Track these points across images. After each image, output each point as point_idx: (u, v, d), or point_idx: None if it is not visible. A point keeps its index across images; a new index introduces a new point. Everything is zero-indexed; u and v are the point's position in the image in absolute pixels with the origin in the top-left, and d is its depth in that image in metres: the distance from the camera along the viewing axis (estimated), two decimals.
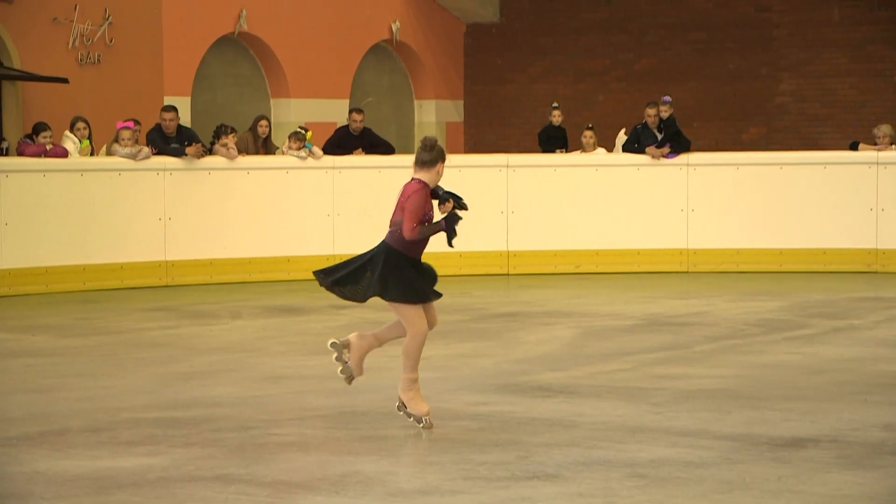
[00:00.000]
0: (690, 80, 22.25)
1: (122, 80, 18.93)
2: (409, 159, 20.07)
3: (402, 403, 8.23)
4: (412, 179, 8.57)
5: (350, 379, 8.45)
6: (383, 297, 8.24)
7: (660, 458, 7.37)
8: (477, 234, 17.29)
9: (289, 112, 21.19)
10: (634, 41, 22.74)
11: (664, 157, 17.48)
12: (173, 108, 16.53)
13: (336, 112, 21.11)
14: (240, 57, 21.14)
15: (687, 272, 17.44)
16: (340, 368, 8.42)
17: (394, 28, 22.47)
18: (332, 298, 14.67)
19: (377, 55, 22.75)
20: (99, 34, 18.73)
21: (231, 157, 16.51)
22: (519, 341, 11.88)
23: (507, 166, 17.48)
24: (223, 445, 7.73)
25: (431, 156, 8.56)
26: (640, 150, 17.55)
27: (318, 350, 11.30)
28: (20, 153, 15.67)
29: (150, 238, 15.98)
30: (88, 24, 18.61)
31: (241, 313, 13.77)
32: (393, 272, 8.28)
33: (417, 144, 8.42)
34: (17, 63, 17.93)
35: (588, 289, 15.91)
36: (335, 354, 8.43)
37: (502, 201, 17.35)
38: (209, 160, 16.44)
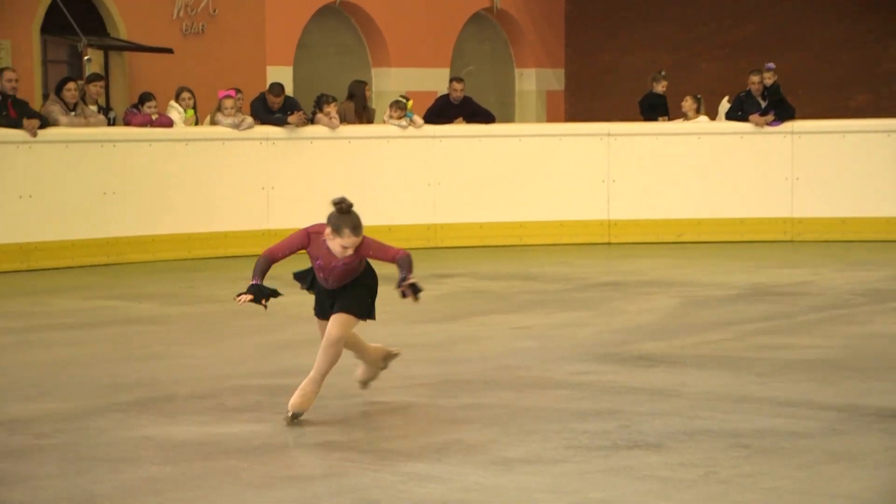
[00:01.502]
0: (795, 47, 21.96)
1: (226, 49, 19.09)
2: (510, 128, 20.18)
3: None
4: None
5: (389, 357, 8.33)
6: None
7: (763, 429, 7.32)
8: (578, 203, 17.26)
9: (389, 81, 21.24)
10: (737, 7, 22.48)
11: (768, 124, 17.30)
12: (282, 90, 16.52)
13: (436, 81, 21.12)
14: (341, 26, 21.21)
15: (792, 241, 17.26)
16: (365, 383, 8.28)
17: None
18: (436, 268, 14.76)
19: (478, 24, 22.70)
20: (203, 5, 18.90)
21: (333, 127, 16.59)
22: (620, 311, 11.84)
23: (609, 135, 17.38)
24: (326, 412, 7.79)
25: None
26: (744, 118, 17.39)
27: (418, 319, 11.35)
28: (127, 123, 15.87)
29: (253, 207, 16.12)
30: None
31: None
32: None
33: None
34: (123, 34, 18.16)
35: (690, 258, 15.80)
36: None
37: (603, 170, 17.27)
38: (311, 129, 16.54)
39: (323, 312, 7.90)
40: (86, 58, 17.48)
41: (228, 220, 16.00)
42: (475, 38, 22.82)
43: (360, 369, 8.24)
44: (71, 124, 15.23)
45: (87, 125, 15.36)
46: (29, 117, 14.80)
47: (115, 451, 6.99)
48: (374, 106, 17.94)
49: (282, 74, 19.59)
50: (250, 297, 7.63)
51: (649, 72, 19.26)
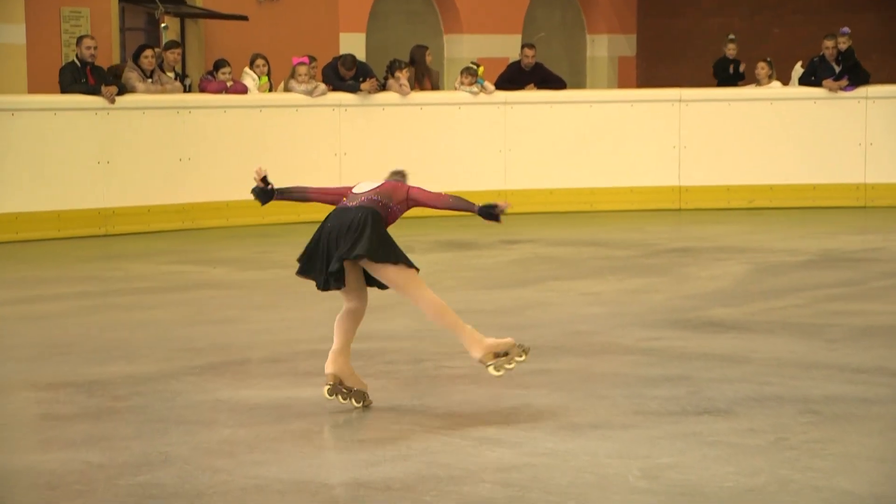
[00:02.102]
0: (869, 11, 21.65)
1: (299, 17, 19.12)
2: (582, 94, 20.05)
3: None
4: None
5: (365, 399, 7.15)
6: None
7: (834, 395, 7.27)
8: (649, 169, 17.17)
9: (461, 48, 21.19)
10: None
11: (842, 90, 17.10)
12: (353, 62, 16.48)
13: (508, 47, 21.04)
14: None
15: (864, 207, 17.08)
16: (353, 402, 7.13)
17: None
18: (506, 233, 14.75)
19: None
20: None
21: (404, 94, 16.59)
22: (691, 277, 11.78)
23: (680, 101, 17.26)
24: (397, 377, 7.83)
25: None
26: (817, 84, 17.19)
27: (489, 285, 11.36)
28: (202, 89, 15.96)
29: (326, 172, 16.14)
30: None
31: (414, 248, 13.87)
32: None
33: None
34: (199, 1, 18.23)
35: (761, 224, 15.68)
36: (339, 398, 7.12)
37: (675, 136, 17.15)
38: (383, 96, 16.55)
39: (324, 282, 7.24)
40: (162, 25, 17.57)
41: (299, 184, 15.99)
42: (547, 5, 22.70)
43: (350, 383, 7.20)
44: (148, 91, 15.34)
45: (163, 92, 15.46)
46: (107, 85, 14.93)
47: (190, 413, 7.06)
48: (442, 71, 17.85)
49: (354, 41, 19.60)
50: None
51: (722, 37, 19.10)
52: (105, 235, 14.85)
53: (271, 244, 14.19)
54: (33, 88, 16.30)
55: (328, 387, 7.12)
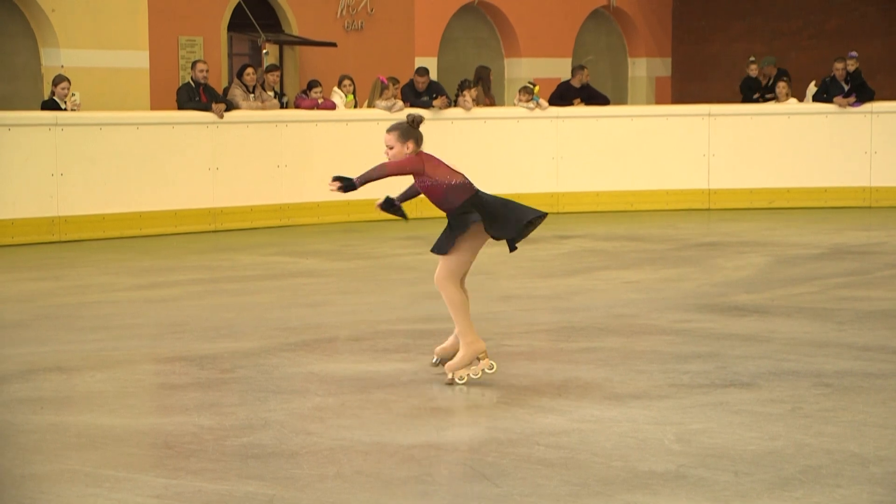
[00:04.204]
0: (875, 38, 21.37)
1: (380, 43, 19.14)
2: (624, 109, 19.92)
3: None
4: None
5: (490, 367, 7.00)
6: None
7: (843, 370, 7.17)
8: (682, 174, 17.03)
9: (520, 69, 21.13)
10: (825, 3, 21.93)
11: (850, 105, 16.89)
12: (426, 72, 16.59)
13: (560, 69, 20.96)
14: (479, 22, 21.13)
15: (869, 207, 16.85)
16: (480, 373, 6.98)
17: None
18: (558, 229, 14.68)
19: (596, 19, 22.47)
20: (362, 5, 18.95)
21: (467, 109, 16.57)
22: (718, 267, 11.67)
23: (709, 115, 17.10)
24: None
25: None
26: (829, 100, 17.01)
27: (543, 274, 11.31)
28: (297, 106, 16.01)
29: (403, 178, 16.14)
30: None
31: None
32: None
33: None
34: (294, 31, 18.29)
35: (780, 221, 15.51)
36: (471, 374, 6.97)
37: (704, 146, 17.00)
38: (452, 111, 16.53)
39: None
40: (264, 51, 17.64)
41: (382, 189, 16.02)
42: (594, 32, 22.58)
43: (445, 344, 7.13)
44: (250, 108, 15.40)
45: (263, 108, 15.52)
46: (217, 102, 15.00)
47: (285, 384, 7.07)
48: (502, 89, 17.82)
49: (428, 64, 19.59)
50: (381, 204, 7.12)
51: (745, 60, 18.92)
52: (214, 231, 14.94)
53: (355, 238, 14.22)
54: (155, 106, 16.44)
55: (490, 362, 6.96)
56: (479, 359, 6.98)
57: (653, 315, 9.09)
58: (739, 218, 16.04)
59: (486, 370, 7.00)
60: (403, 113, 16.19)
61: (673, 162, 16.99)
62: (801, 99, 17.76)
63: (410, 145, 7.25)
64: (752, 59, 18.35)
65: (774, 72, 17.95)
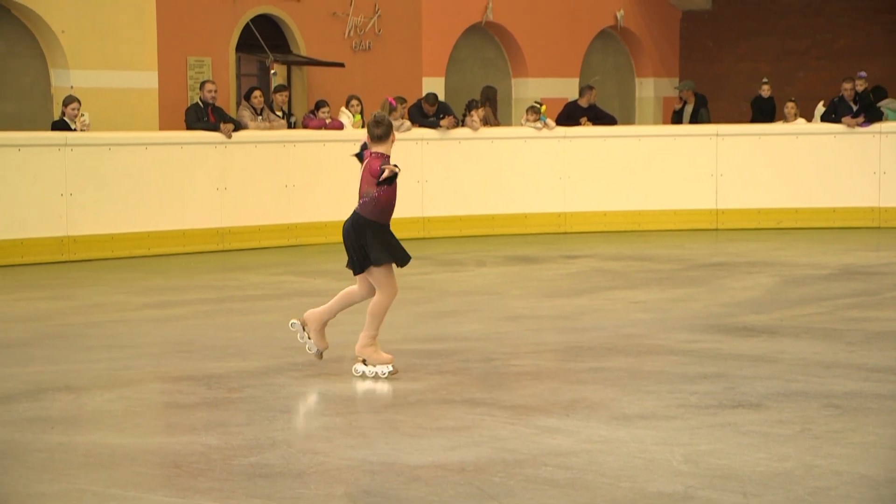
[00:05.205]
0: (884, 57, 21.38)
1: (388, 63, 19.19)
2: (631, 129, 19.92)
3: (363, 360, 7.74)
4: (372, 154, 7.69)
5: (318, 354, 7.99)
6: (369, 264, 7.71)
7: (853, 391, 7.15)
8: (689, 194, 17.02)
9: (527, 89, 21.15)
10: (832, 23, 21.96)
11: (859, 126, 16.88)
12: (436, 100, 16.51)
13: (567, 89, 20.98)
14: (486, 42, 21.18)
15: (878, 227, 16.83)
16: (307, 346, 7.98)
17: (618, 16, 22.19)
18: (565, 249, 14.68)
19: (603, 39, 22.51)
20: (369, 25, 19.02)
21: (474, 129, 16.59)
22: (725, 287, 11.66)
23: (717, 135, 17.11)
24: (470, 374, 7.80)
25: (382, 130, 7.63)
26: (837, 120, 17.00)
27: (550, 294, 11.30)
28: (305, 126, 16.04)
29: (410, 198, 16.18)
30: (361, 17, 18.90)
31: (485, 262, 13.86)
32: (370, 240, 7.71)
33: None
34: (302, 51, 18.35)
35: (788, 242, 15.49)
36: (297, 333, 8.01)
37: (712, 165, 17.01)
38: (459, 131, 16.55)
39: (403, 257, 7.99)
40: (272, 72, 17.69)
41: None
42: (601, 52, 22.61)
43: (312, 333, 8.00)
44: (258, 128, 15.44)
45: (271, 128, 15.55)
46: (225, 122, 15.04)
47: (293, 403, 7.07)
48: (510, 109, 17.87)
49: (435, 84, 19.64)
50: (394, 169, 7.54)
51: (753, 80, 18.95)
52: (222, 251, 14.96)
53: None
54: (163, 126, 16.48)
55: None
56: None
57: (660, 335, 9.08)
58: (747, 238, 16.02)
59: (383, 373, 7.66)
60: (411, 133, 16.22)
61: (680, 182, 16.98)
62: (809, 119, 17.76)
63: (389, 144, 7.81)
64: (764, 80, 18.40)
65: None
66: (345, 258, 7.85)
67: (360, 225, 7.74)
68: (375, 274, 7.76)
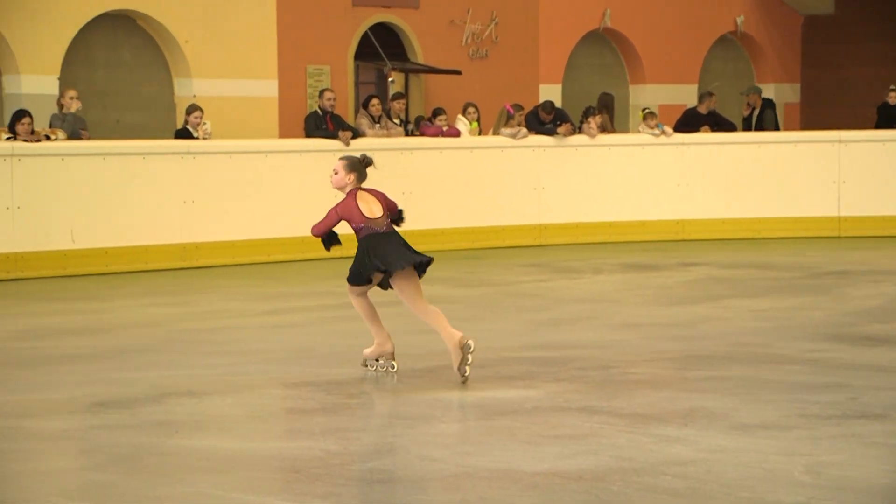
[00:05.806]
0: None
1: (505, 70, 19.21)
2: (751, 136, 19.57)
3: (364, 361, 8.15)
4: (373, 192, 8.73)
5: (389, 364, 8.15)
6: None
7: None
8: (811, 201, 16.74)
9: (645, 96, 21.01)
10: None
11: None
12: (552, 108, 16.47)
13: (686, 95, 20.79)
14: (604, 49, 21.09)
15: None
16: (386, 369, 8.12)
17: (738, 22, 21.93)
18: (683, 256, 14.54)
19: (723, 45, 22.27)
20: (486, 33, 19.07)
21: (591, 136, 16.52)
22: (848, 296, 11.44)
23: (840, 141, 16.80)
24: (587, 381, 7.76)
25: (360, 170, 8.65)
26: None
27: (668, 302, 11.21)
28: (422, 133, 16.13)
29: (527, 204, 16.18)
30: (478, 25, 18.96)
31: (602, 269, 13.79)
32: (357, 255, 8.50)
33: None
34: (420, 59, 18.47)
35: None
36: (370, 367, 8.15)
37: (835, 172, 16.70)
38: (576, 138, 16.50)
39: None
40: (390, 79, 17.83)
41: (504, 215, 16.09)
42: (720, 58, 22.37)
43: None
44: (375, 135, 15.57)
45: (388, 136, 15.67)
46: (344, 130, 15.20)
47: (411, 409, 7.11)
48: (627, 116, 17.78)
49: (552, 91, 19.61)
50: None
51: (876, 85, 18.57)
52: (341, 258, 15.06)
53: (477, 266, 14.24)
54: (283, 134, 16.72)
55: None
56: (384, 359, 8.05)
57: (780, 344, 8.94)
58: (871, 246, 15.70)
59: (389, 369, 7.98)
60: (528, 141, 16.21)
61: (801, 188, 16.71)
62: None
63: (352, 177, 8.70)
64: (892, 87, 18.03)
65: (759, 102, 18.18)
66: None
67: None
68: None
